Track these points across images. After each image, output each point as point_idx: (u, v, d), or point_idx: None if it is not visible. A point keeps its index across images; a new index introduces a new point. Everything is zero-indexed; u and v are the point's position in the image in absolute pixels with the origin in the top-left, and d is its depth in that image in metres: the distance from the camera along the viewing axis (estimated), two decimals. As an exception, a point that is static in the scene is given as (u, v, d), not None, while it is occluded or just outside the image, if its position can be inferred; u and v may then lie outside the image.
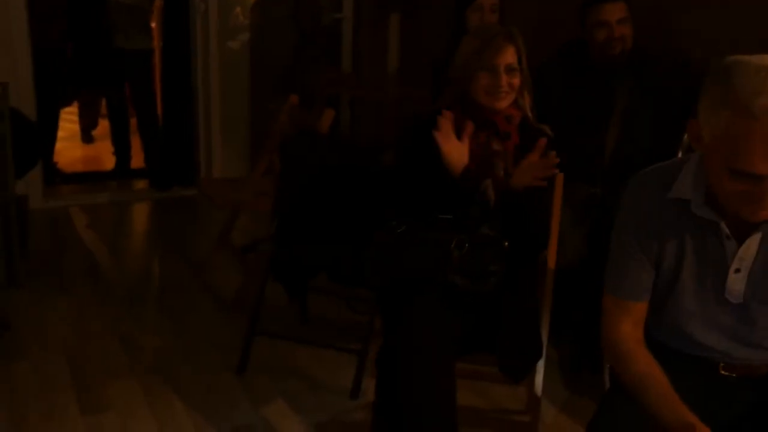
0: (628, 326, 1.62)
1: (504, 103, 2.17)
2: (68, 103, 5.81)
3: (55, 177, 5.06)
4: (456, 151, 2.14)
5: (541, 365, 2.13)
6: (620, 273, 1.63)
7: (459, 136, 2.18)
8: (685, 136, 2.81)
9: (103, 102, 5.92)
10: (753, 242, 1.50)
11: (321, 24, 5.49)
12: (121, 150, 5.44)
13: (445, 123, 2.14)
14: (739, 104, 1.31)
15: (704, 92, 1.39)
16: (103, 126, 6.09)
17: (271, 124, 3.69)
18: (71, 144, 6.20)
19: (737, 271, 1.52)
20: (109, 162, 5.58)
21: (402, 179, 2.28)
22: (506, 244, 2.03)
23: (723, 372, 1.64)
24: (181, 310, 3.35)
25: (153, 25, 5.28)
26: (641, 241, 1.58)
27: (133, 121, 5.29)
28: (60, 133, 5.28)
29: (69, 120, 6.29)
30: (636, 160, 2.98)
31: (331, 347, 2.84)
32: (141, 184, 5.26)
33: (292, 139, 3.29)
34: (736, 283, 1.53)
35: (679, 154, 2.80)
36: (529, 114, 2.24)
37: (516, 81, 2.17)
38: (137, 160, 5.41)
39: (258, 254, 3.29)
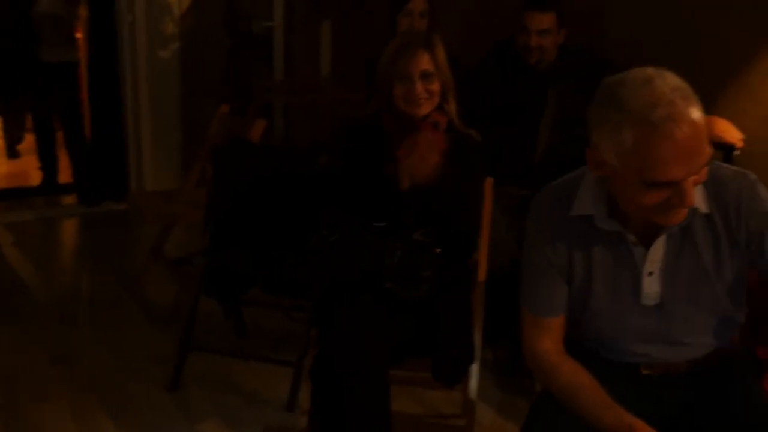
0: (548, 342, 1.63)
1: (424, 110, 2.17)
2: (-9, 118, 5.64)
3: (-22, 194, 4.91)
4: (396, 163, 2.13)
5: (475, 369, 2.14)
6: (534, 291, 1.64)
7: (392, 144, 2.16)
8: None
9: (29, 116, 5.75)
10: (659, 244, 1.53)
11: (252, 32, 5.45)
12: (48, 165, 5.29)
13: (415, 142, 2.14)
14: (640, 120, 1.34)
15: (598, 120, 1.41)
16: (29, 140, 5.93)
17: (203, 134, 3.64)
18: (-5, 160, 6.03)
19: (650, 274, 1.55)
20: (35, 177, 5.42)
21: (336, 184, 2.27)
22: (438, 250, 2.03)
23: (644, 371, 1.66)
24: (113, 327, 3.27)
25: (78, 36, 5.15)
26: (551, 259, 1.59)
27: (60, 135, 5.16)
28: (-17, 149, 5.12)
29: (-7, 135, 6.12)
30: (567, 161, 3.03)
31: (266, 360, 2.80)
32: (69, 200, 5.12)
33: (224, 148, 3.25)
34: (652, 285, 1.55)
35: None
36: (456, 119, 2.24)
37: (434, 87, 2.17)
38: (65, 175, 5.27)
39: (191, 267, 3.23)
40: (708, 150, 1.38)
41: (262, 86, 5.10)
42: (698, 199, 1.48)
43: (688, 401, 1.65)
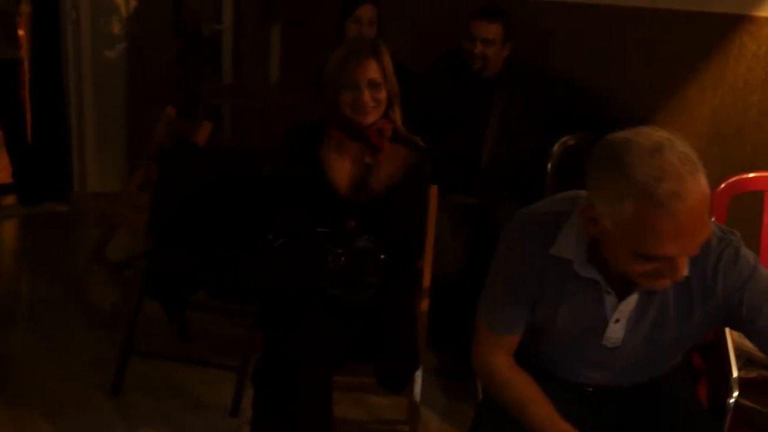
0: (502, 356, 1.63)
1: (371, 118, 2.18)
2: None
3: None
4: (340, 169, 2.15)
5: (419, 375, 2.16)
6: (497, 307, 1.61)
7: (340, 150, 2.18)
8: (555, 149, 2.93)
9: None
10: (633, 298, 1.51)
11: (201, 34, 5.39)
12: (-12, 164, 5.15)
13: (329, 142, 2.14)
14: (644, 194, 1.28)
15: (597, 182, 1.36)
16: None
17: (149, 136, 3.59)
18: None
19: (617, 321, 1.54)
20: (-26, 177, 5.28)
21: (281, 189, 2.27)
22: (382, 256, 2.05)
23: (588, 389, 1.69)
24: (53, 330, 3.20)
25: (21, 32, 5.03)
26: (521, 284, 1.57)
27: (0, 134, 5.02)
28: None
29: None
30: (511, 170, 3.10)
31: (210, 365, 2.78)
32: (9, 200, 4.99)
33: (169, 150, 3.21)
34: (616, 331, 1.55)
35: (549, 166, 2.90)
36: (400, 126, 2.26)
37: (381, 95, 2.18)
38: (4, 175, 5.13)
39: (134, 271, 3.18)
40: (708, 227, 1.34)
41: (210, 89, 5.05)
42: None
43: (627, 411, 1.69)
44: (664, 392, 1.69)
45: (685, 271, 1.36)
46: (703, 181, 1.29)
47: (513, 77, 3.11)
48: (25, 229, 4.70)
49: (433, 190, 2.38)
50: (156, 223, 2.80)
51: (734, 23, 2.68)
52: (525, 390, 1.59)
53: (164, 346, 3.00)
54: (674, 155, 1.28)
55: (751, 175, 2.31)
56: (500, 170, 3.09)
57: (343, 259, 2.03)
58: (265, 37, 5.08)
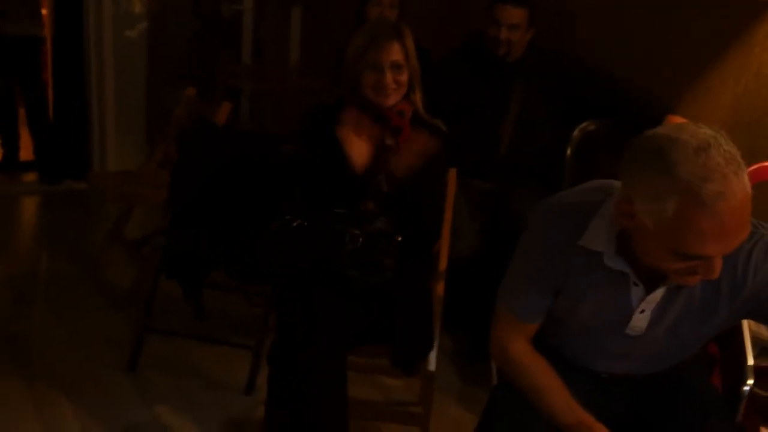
0: (522, 343, 1.63)
1: (392, 100, 2.17)
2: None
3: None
4: (357, 148, 2.15)
5: (433, 356, 2.16)
6: (519, 295, 1.61)
7: (358, 131, 2.18)
8: (575, 134, 2.91)
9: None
10: (660, 291, 1.50)
11: (221, 15, 5.40)
12: (9, 141, 5.19)
13: (346, 120, 2.13)
14: (688, 193, 1.26)
15: (638, 177, 1.34)
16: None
17: (169, 116, 3.61)
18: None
19: (642, 311, 1.53)
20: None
21: (300, 170, 2.27)
22: (399, 238, 2.05)
23: (603, 376, 1.69)
24: (71, 308, 3.23)
25: (44, 11, 5.06)
26: (545, 273, 1.56)
27: (22, 112, 5.07)
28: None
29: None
30: (529, 156, 3.08)
31: (225, 343, 2.80)
32: (30, 177, 5.05)
33: (189, 130, 3.22)
34: (641, 321, 1.54)
35: (568, 152, 2.89)
36: (421, 109, 2.25)
37: (403, 78, 2.17)
38: (26, 153, 5.18)
39: (151, 249, 3.20)
40: (749, 227, 1.33)
41: (229, 70, 5.06)
42: None
43: (642, 398, 1.69)
44: (679, 379, 1.69)
45: (719, 270, 1.35)
46: (746, 181, 1.28)
47: (534, 62, 3.09)
48: (45, 207, 4.75)
49: (452, 173, 2.38)
50: (174, 202, 2.81)
51: (760, 10, 2.64)
52: (543, 376, 1.60)
53: (180, 324, 3.02)
54: (720, 155, 1.26)
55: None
56: (519, 156, 3.08)
57: (360, 240, 2.03)
58: (285, 19, 5.08)
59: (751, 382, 1.84)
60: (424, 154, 2.18)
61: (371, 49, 2.14)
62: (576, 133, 2.91)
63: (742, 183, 1.27)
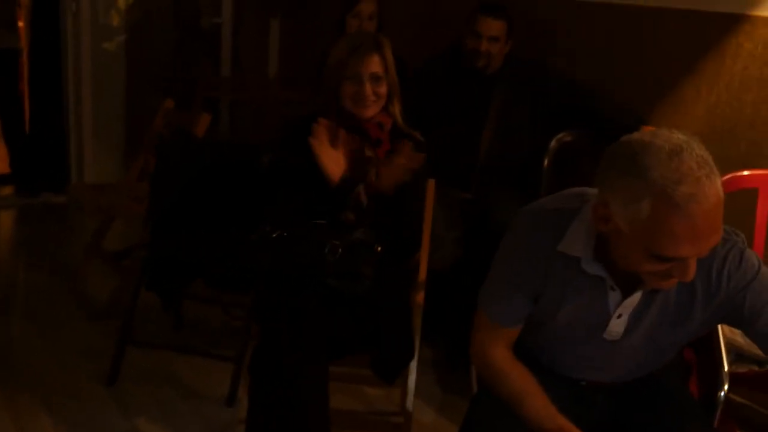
0: (502, 349, 1.65)
1: (371, 112, 2.20)
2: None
3: None
4: (332, 159, 2.14)
5: (413, 366, 2.17)
6: (500, 300, 1.63)
7: (334, 142, 2.19)
8: (552, 144, 2.95)
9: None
10: (637, 295, 1.53)
11: (200, 27, 5.40)
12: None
13: (320, 131, 2.15)
14: (662, 196, 1.30)
15: (614, 182, 1.37)
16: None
17: (147, 127, 3.60)
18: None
19: (619, 316, 1.56)
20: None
21: (278, 181, 2.28)
22: (378, 248, 2.06)
23: (582, 384, 1.71)
24: (50, 321, 3.21)
25: (20, 23, 5.03)
26: (526, 278, 1.58)
27: (-1, 124, 5.02)
28: None
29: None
30: (508, 165, 3.11)
31: (206, 355, 2.79)
32: (6, 191, 4.99)
33: (167, 141, 3.22)
34: (617, 326, 1.57)
35: (546, 162, 2.92)
36: (400, 120, 2.27)
37: (382, 89, 2.19)
38: (2, 165, 5.13)
39: (132, 261, 3.19)
40: (721, 230, 1.36)
41: (208, 82, 5.06)
42: None
43: (620, 405, 1.71)
44: (658, 386, 1.71)
45: (694, 272, 1.38)
46: (718, 185, 1.31)
47: (512, 73, 3.12)
48: (22, 220, 4.70)
49: (431, 184, 2.40)
50: (154, 213, 2.81)
51: (731, 22, 2.70)
52: (522, 382, 1.61)
53: (160, 335, 3.01)
54: (692, 159, 1.30)
55: (746, 172, 2.33)
56: (497, 166, 3.11)
57: (339, 250, 2.04)
58: (264, 30, 5.09)
59: (726, 388, 1.87)
60: (412, 168, 2.19)
61: (351, 61, 2.16)
62: (553, 143, 2.95)
63: (714, 186, 1.30)
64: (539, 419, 1.57)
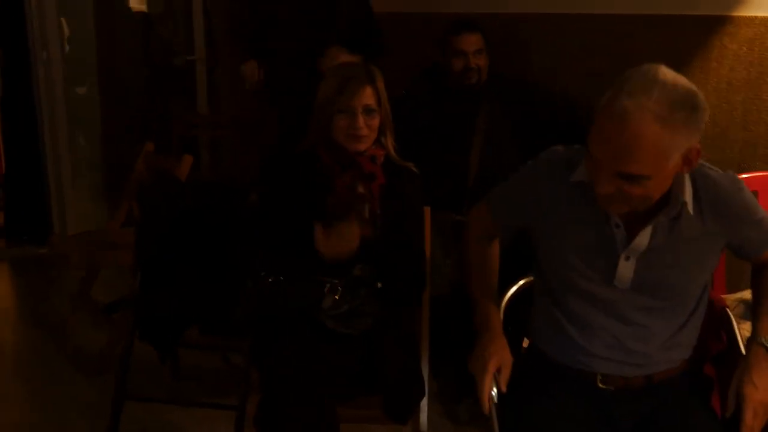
0: (481, 230, 1.84)
1: (363, 146, 2.13)
2: None
3: None
4: (332, 248, 2.04)
5: (424, 402, 2.10)
6: (501, 192, 1.82)
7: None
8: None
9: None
10: (645, 235, 1.57)
11: (173, 66, 5.34)
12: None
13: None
14: (610, 100, 1.45)
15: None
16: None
17: (128, 172, 3.54)
18: None
19: (627, 258, 1.59)
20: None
21: (268, 219, 2.20)
22: (379, 285, 2.00)
23: (600, 385, 1.67)
24: (40, 379, 3.12)
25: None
26: (531, 186, 1.70)
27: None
28: None
29: None
30: (498, 183, 3.06)
31: (207, 405, 2.70)
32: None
33: (150, 187, 3.16)
34: (626, 269, 1.60)
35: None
36: (393, 153, 2.21)
37: (375, 122, 2.12)
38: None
39: (122, 312, 3.10)
40: (645, 165, 1.43)
41: (186, 121, 4.99)
42: (686, 193, 1.55)
43: (641, 419, 1.66)
44: (677, 400, 1.67)
45: (605, 189, 1.47)
46: (654, 125, 1.39)
47: (497, 88, 3.10)
48: (5, 274, 4.59)
49: (426, 211, 2.33)
50: (142, 263, 2.74)
51: (713, 25, 2.68)
52: (482, 257, 1.81)
53: (157, 387, 2.93)
54: (662, 93, 1.41)
55: (745, 175, 2.30)
56: (488, 185, 3.04)
57: (339, 289, 1.97)
58: (238, 66, 5.03)
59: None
60: (407, 202, 2.15)
61: (344, 93, 2.09)
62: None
63: (651, 124, 1.39)
64: (476, 293, 1.75)
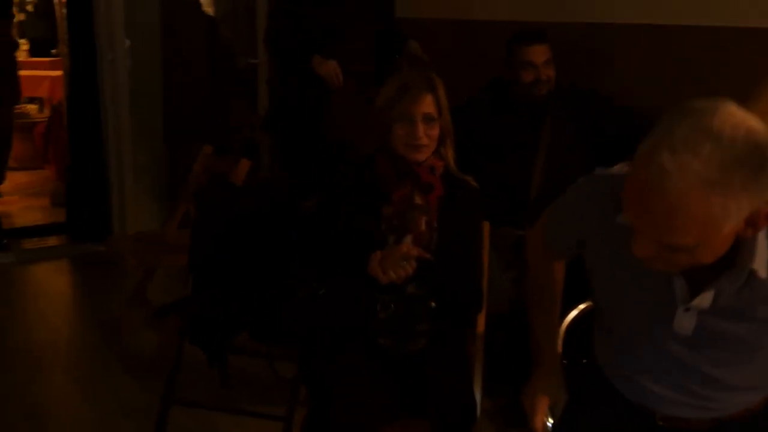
0: (542, 250, 1.73)
1: (423, 156, 2.04)
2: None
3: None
4: (387, 274, 1.94)
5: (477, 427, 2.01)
6: (555, 225, 1.68)
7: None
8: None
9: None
10: (706, 297, 1.35)
11: (237, 69, 5.36)
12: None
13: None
14: (646, 155, 1.19)
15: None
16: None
17: (187, 174, 3.55)
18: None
19: (687, 310, 1.39)
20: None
21: (323, 228, 2.13)
22: (433, 304, 1.92)
23: (660, 422, 1.55)
24: (92, 378, 3.13)
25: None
26: (582, 232, 1.54)
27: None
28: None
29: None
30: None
31: (254, 415, 2.66)
32: (52, 241, 4.97)
33: (206, 191, 3.16)
34: (686, 320, 1.40)
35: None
36: (452, 164, 2.13)
37: (435, 131, 2.04)
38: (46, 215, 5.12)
39: (174, 316, 3.10)
40: (689, 235, 1.18)
41: (246, 124, 5.00)
42: (758, 259, 1.27)
43: None
44: None
45: (645, 253, 1.24)
46: (700, 191, 1.13)
47: (563, 100, 3.00)
48: (68, 270, 4.66)
49: (486, 227, 2.24)
50: (195, 267, 2.72)
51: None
52: (544, 278, 1.72)
53: (205, 393, 2.90)
54: (714, 148, 1.13)
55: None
56: (550, 200, 2.95)
57: (392, 306, 1.90)
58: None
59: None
60: (465, 216, 2.07)
61: (403, 101, 2.01)
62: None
63: (697, 190, 1.13)
64: (533, 327, 1.69)
